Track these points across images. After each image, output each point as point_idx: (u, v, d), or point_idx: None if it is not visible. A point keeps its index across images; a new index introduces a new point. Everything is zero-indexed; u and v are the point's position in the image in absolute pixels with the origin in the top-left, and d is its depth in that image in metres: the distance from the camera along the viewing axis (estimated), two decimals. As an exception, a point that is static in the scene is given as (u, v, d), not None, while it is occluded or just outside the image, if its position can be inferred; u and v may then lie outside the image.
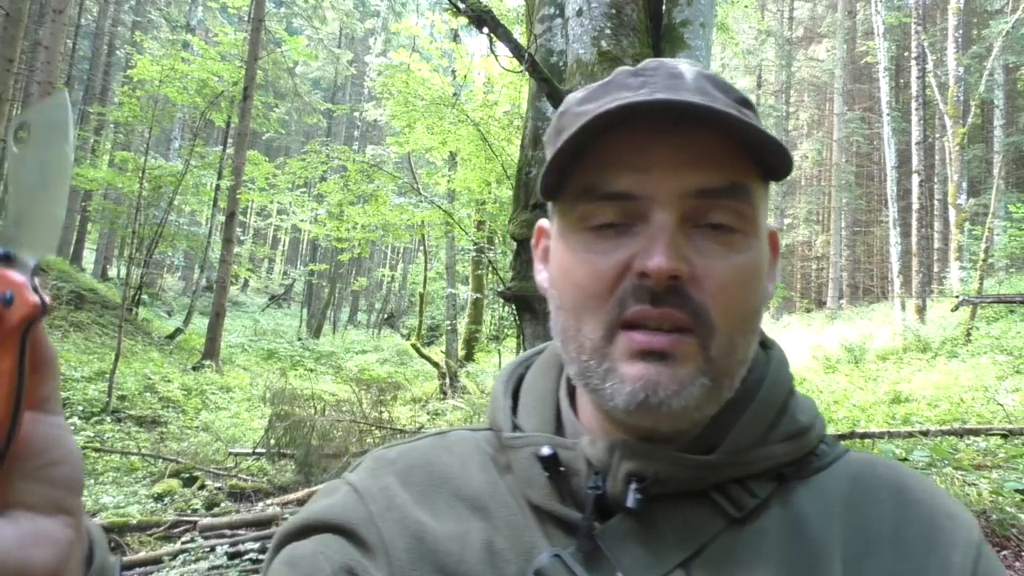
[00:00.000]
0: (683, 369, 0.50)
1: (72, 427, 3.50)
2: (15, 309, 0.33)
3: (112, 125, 21.38)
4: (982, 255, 11.87)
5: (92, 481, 5.79)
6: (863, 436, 6.03)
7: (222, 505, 5.53)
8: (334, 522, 0.56)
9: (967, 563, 0.50)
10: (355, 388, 8.84)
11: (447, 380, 11.73)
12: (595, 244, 0.53)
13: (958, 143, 15.65)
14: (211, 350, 12.14)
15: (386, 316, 26.91)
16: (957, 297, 9.83)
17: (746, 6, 15.46)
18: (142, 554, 4.40)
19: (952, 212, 16.23)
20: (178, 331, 14.36)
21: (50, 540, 0.34)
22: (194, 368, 11.36)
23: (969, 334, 11.37)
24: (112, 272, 20.79)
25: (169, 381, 9.61)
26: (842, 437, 5.65)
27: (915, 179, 15.71)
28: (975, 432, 6.14)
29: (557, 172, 0.54)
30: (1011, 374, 9.00)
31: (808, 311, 24.46)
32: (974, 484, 4.41)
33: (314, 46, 24.10)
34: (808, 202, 29.03)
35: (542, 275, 0.63)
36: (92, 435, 7.06)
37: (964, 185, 17.79)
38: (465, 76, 11.13)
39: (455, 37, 13.43)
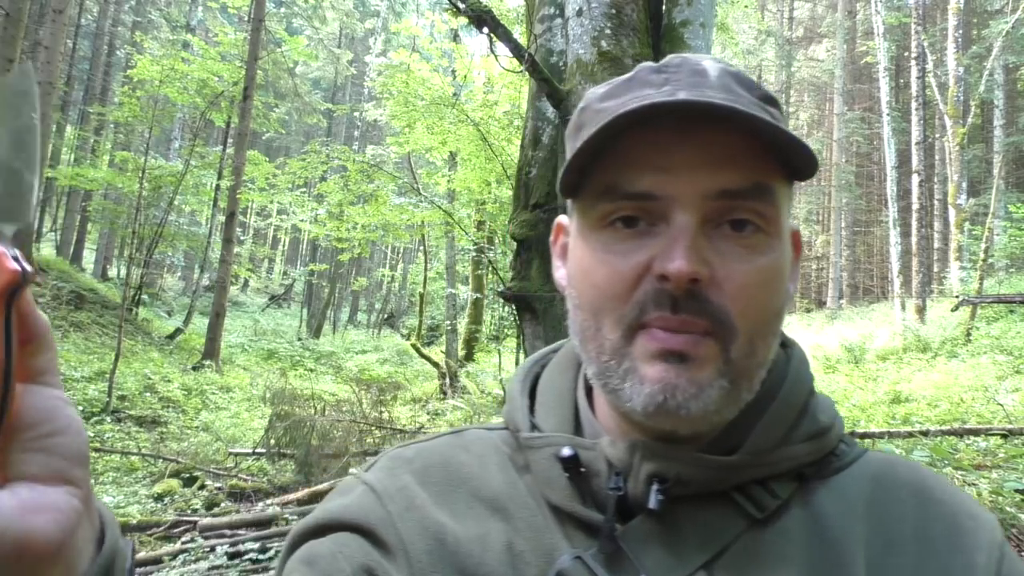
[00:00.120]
0: (702, 372, 0.49)
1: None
2: None
3: (112, 125, 21.39)
4: (982, 255, 11.87)
5: (92, 481, 5.76)
6: (863, 436, 6.03)
7: (222, 505, 5.53)
8: (352, 521, 0.55)
9: (991, 564, 0.50)
10: (355, 388, 8.84)
11: (447, 380, 11.73)
12: (615, 244, 0.52)
13: (958, 143, 15.65)
14: (211, 350, 12.14)
15: (386, 316, 26.91)
16: (957, 297, 9.83)
17: (746, 6, 15.46)
18: (142, 554, 4.40)
19: (952, 212, 16.23)
20: (178, 331, 14.36)
21: (52, 508, 0.33)
22: (194, 368, 11.36)
23: (969, 334, 11.37)
24: (112, 272, 20.78)
25: (169, 381, 9.62)
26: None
27: (915, 179, 15.71)
28: (975, 432, 6.15)
29: (577, 171, 0.53)
30: (1011, 374, 9.00)
31: (808, 311, 24.45)
32: (974, 484, 4.40)
33: (314, 46, 24.11)
34: (808, 202, 29.03)
35: (560, 272, 0.62)
36: (92, 435, 7.05)
37: (964, 185, 17.79)
38: (465, 76, 11.13)
39: (455, 37, 13.43)
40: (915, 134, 16.04)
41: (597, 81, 2.56)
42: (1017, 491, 4.21)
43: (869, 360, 11.58)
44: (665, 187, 0.50)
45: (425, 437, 0.65)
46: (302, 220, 14.44)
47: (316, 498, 5.46)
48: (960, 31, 18.10)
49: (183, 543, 4.64)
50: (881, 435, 6.01)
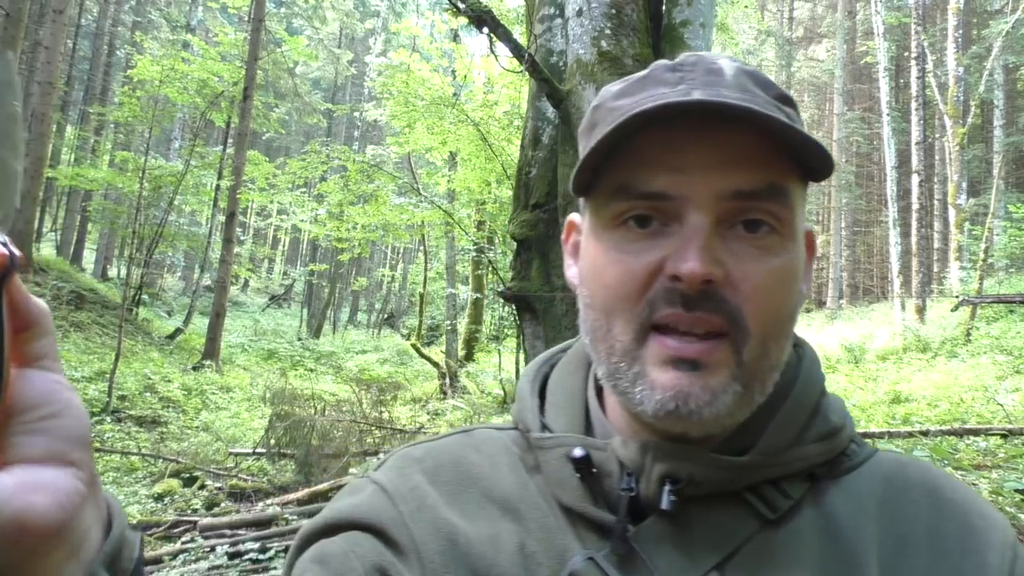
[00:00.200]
0: (715, 378, 0.49)
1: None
2: None
3: (112, 125, 21.39)
4: (982, 255, 11.87)
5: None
6: (863, 436, 6.03)
7: (222, 505, 5.53)
8: (364, 521, 0.55)
9: (1004, 564, 0.50)
10: (355, 388, 8.85)
11: (447, 380, 11.73)
12: (627, 244, 0.52)
13: (958, 143, 15.65)
14: (211, 350, 12.14)
15: (386, 316, 26.91)
16: (957, 297, 9.83)
17: (746, 6, 15.47)
18: (142, 554, 4.39)
19: (952, 212, 16.24)
20: (178, 331, 14.36)
21: (52, 487, 0.33)
22: (194, 368, 11.36)
23: (969, 334, 11.36)
24: (112, 272, 20.78)
25: (169, 381, 9.62)
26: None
27: (915, 179, 15.71)
28: (975, 432, 6.15)
29: (590, 170, 0.53)
30: (1011, 374, 9.00)
31: (808, 311, 24.44)
32: (974, 484, 4.41)
33: (314, 46, 24.11)
34: (808, 202, 28.82)
35: (571, 271, 0.62)
36: (92, 435, 7.01)
37: (964, 185, 17.79)
38: (465, 76, 11.14)
39: (455, 37, 13.44)
40: (915, 134, 16.04)
41: (597, 81, 2.56)
42: (1017, 491, 4.21)
43: (869, 360, 11.58)
44: (679, 187, 0.50)
45: (433, 436, 0.65)
46: (302, 220, 14.45)
47: (316, 498, 5.45)
48: (960, 31, 18.11)
49: (183, 543, 4.64)
50: (881, 435, 6.00)
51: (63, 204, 21.44)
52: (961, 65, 17.58)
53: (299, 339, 19.82)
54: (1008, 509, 3.96)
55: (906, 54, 20.64)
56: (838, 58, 25.39)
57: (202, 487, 5.91)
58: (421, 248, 17.58)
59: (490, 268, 10.59)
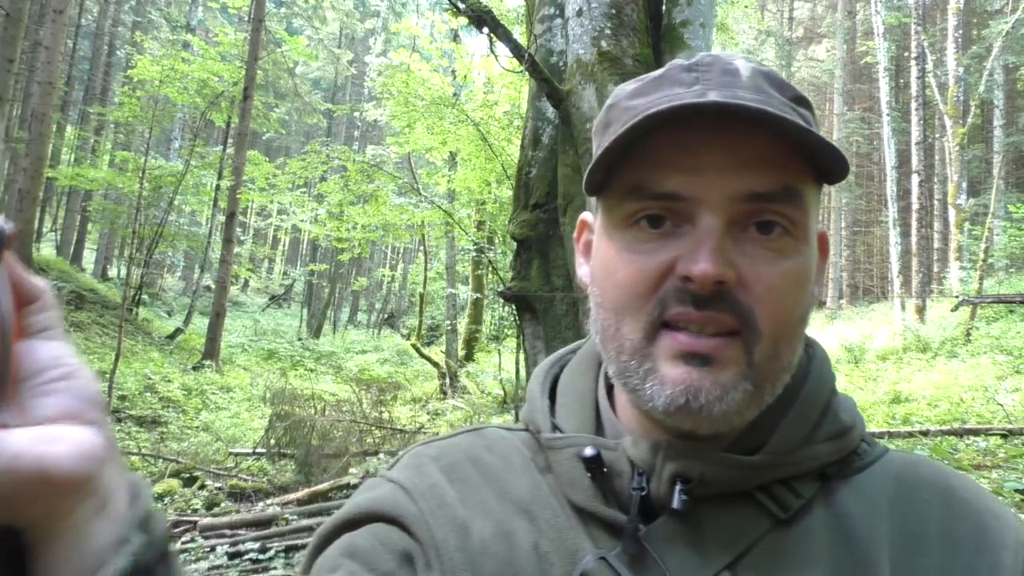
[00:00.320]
0: (725, 374, 0.49)
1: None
2: None
3: (112, 125, 21.39)
4: (982, 255, 11.87)
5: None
6: (863, 436, 6.03)
7: (222, 505, 5.53)
8: (386, 513, 0.55)
9: (1018, 564, 0.50)
10: (355, 388, 8.85)
11: (447, 380, 11.73)
12: (639, 244, 0.52)
13: (958, 143, 15.65)
14: (211, 350, 12.14)
15: (386, 316, 26.91)
16: (957, 297, 9.83)
17: (746, 6, 15.48)
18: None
19: (952, 212, 16.24)
20: (178, 331, 14.36)
21: (72, 440, 0.32)
22: (194, 368, 11.37)
23: (969, 334, 11.37)
24: (112, 272, 20.78)
25: (169, 381, 9.62)
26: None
27: (915, 179, 15.71)
28: (975, 432, 6.15)
29: (604, 169, 0.53)
30: (1011, 374, 9.00)
31: (808, 311, 24.43)
32: (974, 484, 4.40)
33: (314, 46, 24.11)
34: (808, 202, 28.98)
35: (583, 269, 0.62)
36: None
37: (964, 185, 17.79)
38: (465, 76, 11.13)
39: (455, 37, 13.44)
40: (915, 134, 16.05)
41: (597, 81, 2.56)
42: (1017, 491, 4.21)
43: (869, 360, 11.59)
44: (692, 188, 0.50)
45: (444, 435, 0.65)
46: (302, 220, 14.45)
47: (316, 498, 5.46)
48: (960, 31, 18.11)
49: (183, 543, 4.64)
50: (881, 435, 6.00)
51: (63, 204, 21.44)
52: (961, 65, 17.58)
53: (299, 339, 19.82)
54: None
55: (906, 54, 20.64)
56: (838, 58, 25.40)
57: (202, 487, 5.91)
58: (421, 248, 17.58)
59: (490, 268, 10.59)
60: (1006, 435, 5.98)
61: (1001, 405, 7.20)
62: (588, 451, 0.54)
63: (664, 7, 2.83)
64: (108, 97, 23.11)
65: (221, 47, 15.24)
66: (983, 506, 0.53)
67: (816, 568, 0.49)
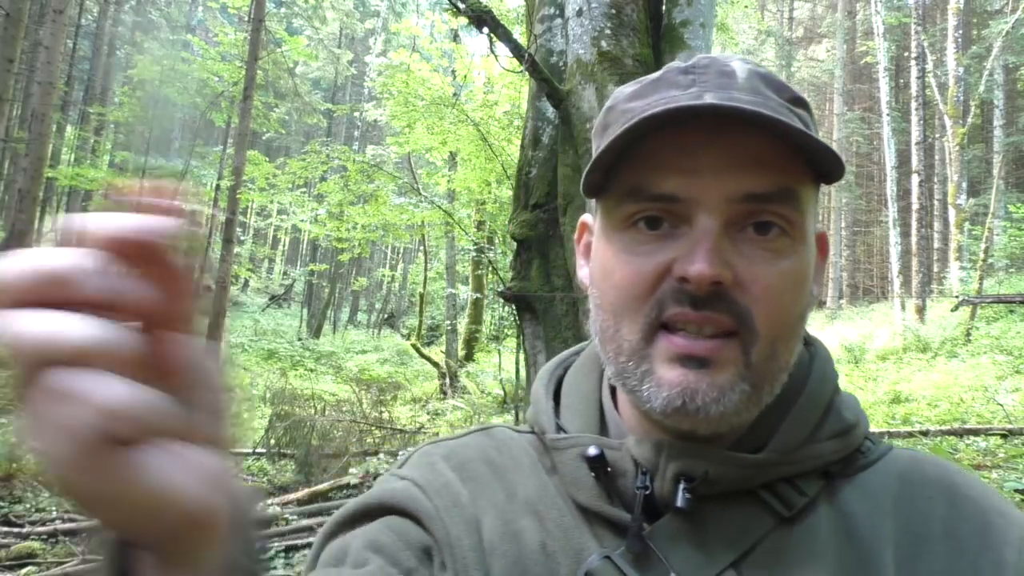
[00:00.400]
0: (722, 375, 0.49)
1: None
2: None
3: (112, 125, 21.39)
4: (982, 255, 11.87)
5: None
6: (863, 436, 6.03)
7: (222, 505, 5.52)
8: (403, 507, 0.55)
9: (1022, 560, 0.50)
10: (355, 388, 8.85)
11: (447, 380, 11.73)
12: (637, 246, 0.52)
13: (958, 143, 15.65)
14: (211, 350, 12.12)
15: (386, 316, 26.90)
16: (957, 297, 9.84)
17: (746, 6, 15.48)
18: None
19: (952, 212, 16.24)
20: (178, 331, 14.34)
21: (218, 475, 0.31)
22: (194, 368, 11.35)
23: (969, 334, 11.37)
24: (112, 272, 20.74)
25: (169, 381, 9.61)
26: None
27: (915, 179, 15.71)
28: (975, 432, 6.15)
29: (602, 171, 0.53)
30: (1011, 374, 9.00)
31: (808, 311, 24.44)
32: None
33: (314, 46, 24.12)
34: (808, 202, 28.99)
35: (583, 271, 0.62)
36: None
37: (964, 185, 17.79)
38: (465, 76, 11.13)
39: (455, 37, 13.43)
40: (915, 134, 16.04)
41: (597, 81, 2.56)
42: (1017, 491, 4.21)
43: (869, 360, 11.58)
44: (690, 190, 0.50)
45: (453, 435, 0.65)
46: (302, 220, 14.44)
47: (316, 498, 5.46)
48: (960, 31, 18.11)
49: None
50: (881, 435, 6.00)
51: (63, 204, 21.43)
52: (961, 65, 17.58)
53: (299, 339, 19.82)
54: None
55: (906, 54, 20.64)
56: (838, 58, 25.40)
57: (202, 487, 5.90)
58: (421, 248, 17.58)
59: (490, 268, 10.59)
60: (1006, 435, 5.98)
61: (1001, 405, 7.20)
62: (592, 451, 0.54)
63: (664, 7, 2.83)
64: (108, 97, 23.12)
65: (221, 47, 15.25)
66: (987, 504, 0.53)
67: (820, 566, 0.49)
